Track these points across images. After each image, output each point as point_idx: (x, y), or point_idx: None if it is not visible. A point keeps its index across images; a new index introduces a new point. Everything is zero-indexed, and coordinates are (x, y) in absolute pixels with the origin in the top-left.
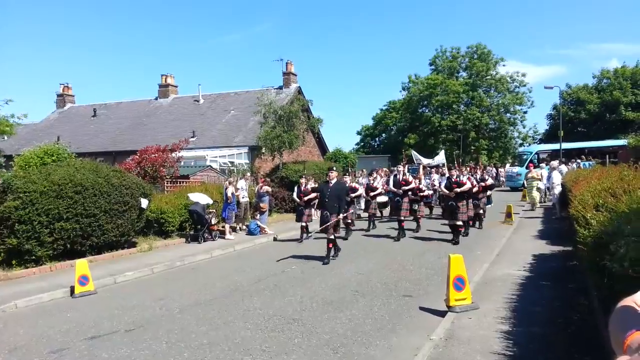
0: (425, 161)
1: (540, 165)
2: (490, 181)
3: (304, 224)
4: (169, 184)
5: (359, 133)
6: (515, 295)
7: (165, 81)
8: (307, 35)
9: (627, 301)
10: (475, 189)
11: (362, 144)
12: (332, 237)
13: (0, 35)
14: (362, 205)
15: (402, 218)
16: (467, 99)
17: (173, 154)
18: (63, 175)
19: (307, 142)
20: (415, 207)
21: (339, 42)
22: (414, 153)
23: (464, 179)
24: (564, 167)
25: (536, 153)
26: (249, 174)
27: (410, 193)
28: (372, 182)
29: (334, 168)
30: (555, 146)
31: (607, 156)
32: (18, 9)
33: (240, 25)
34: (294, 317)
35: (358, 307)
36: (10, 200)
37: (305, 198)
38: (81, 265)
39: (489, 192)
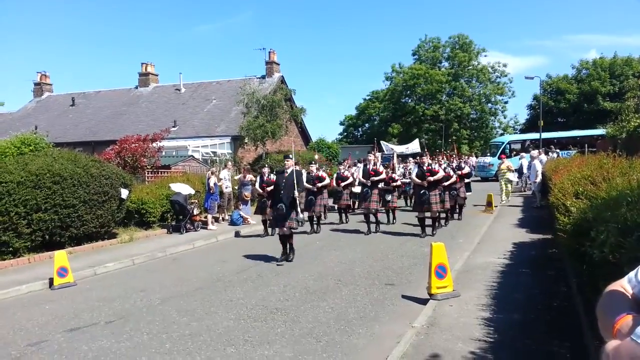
0: (398, 149)
1: (522, 154)
2: (467, 169)
3: (265, 218)
4: (149, 174)
5: (342, 123)
6: (496, 283)
7: (146, 70)
8: (290, 25)
9: (615, 285)
10: (452, 179)
11: (345, 133)
12: (289, 231)
13: None
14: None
15: (373, 210)
16: (449, 89)
17: (154, 144)
18: (41, 165)
19: (290, 131)
20: (388, 197)
21: (322, 32)
22: (383, 143)
23: (437, 167)
24: (544, 157)
25: (508, 143)
26: (230, 163)
27: (382, 184)
28: (342, 171)
29: (290, 156)
30: (527, 136)
31: (579, 146)
32: None
33: (221, 14)
34: (276, 306)
35: (341, 296)
36: None
37: (269, 189)
38: (60, 256)
39: (466, 180)
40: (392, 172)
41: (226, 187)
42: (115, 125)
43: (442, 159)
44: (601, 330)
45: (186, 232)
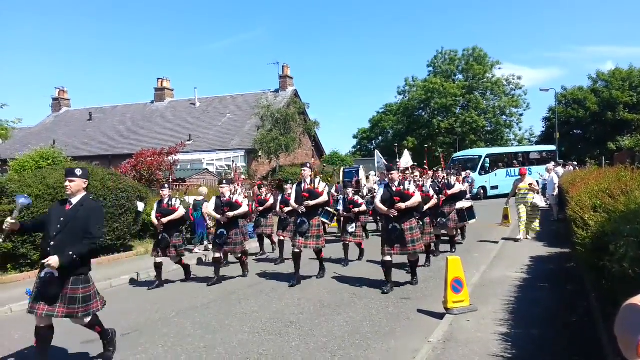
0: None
1: (547, 167)
2: (457, 188)
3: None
4: None
5: (355, 136)
6: (513, 298)
7: (162, 85)
8: (303, 39)
9: (636, 300)
10: (432, 202)
11: (358, 147)
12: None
13: None
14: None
15: (301, 248)
16: (463, 102)
17: (169, 158)
18: (59, 179)
19: (304, 145)
20: (351, 229)
21: (334, 47)
22: (377, 153)
23: (412, 187)
24: (560, 169)
25: (486, 156)
26: (243, 176)
27: (341, 210)
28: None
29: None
30: (504, 150)
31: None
32: (13, 13)
33: (235, 30)
34: (291, 320)
35: (356, 309)
36: (5, 204)
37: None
38: None
39: (466, 204)
40: (353, 192)
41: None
42: (132, 139)
43: (416, 175)
44: (622, 348)
45: (201, 244)
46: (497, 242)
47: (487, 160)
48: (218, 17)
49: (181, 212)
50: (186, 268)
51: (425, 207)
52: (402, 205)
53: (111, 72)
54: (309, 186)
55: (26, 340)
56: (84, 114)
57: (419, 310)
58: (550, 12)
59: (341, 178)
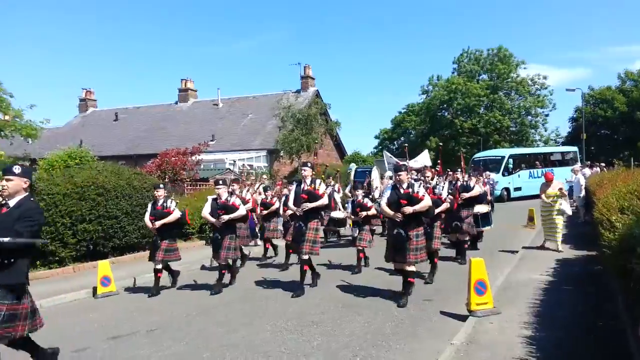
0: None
1: (574, 169)
2: (476, 190)
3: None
4: (189, 187)
5: (377, 137)
6: (539, 300)
7: (185, 85)
8: (325, 39)
9: None
10: (443, 206)
11: (380, 147)
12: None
13: (24, 42)
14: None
15: (305, 254)
16: (487, 102)
17: (193, 157)
18: (86, 178)
19: (326, 145)
20: (356, 233)
21: (356, 47)
22: (385, 153)
23: (421, 190)
24: (587, 170)
25: (510, 157)
26: (265, 176)
27: (349, 212)
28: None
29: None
30: (527, 150)
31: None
32: (40, 16)
33: (258, 30)
34: (313, 319)
35: (377, 310)
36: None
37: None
38: (103, 266)
39: (483, 208)
40: (364, 195)
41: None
42: (156, 139)
43: (428, 176)
44: None
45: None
46: (516, 252)
47: (511, 161)
48: (240, 18)
49: (176, 214)
50: (173, 274)
51: (437, 211)
52: (409, 209)
53: (136, 72)
54: (309, 187)
55: (54, 335)
56: (109, 114)
57: (442, 312)
58: (574, 11)
59: (352, 178)
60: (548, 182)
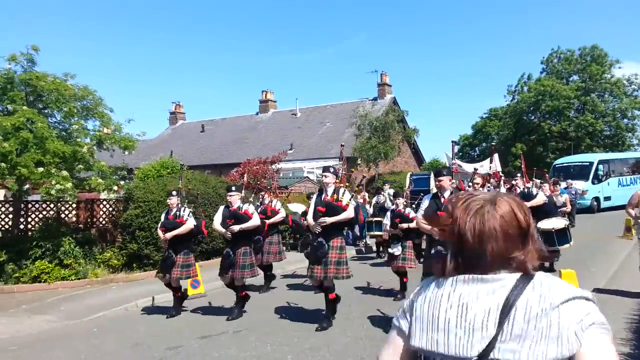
0: (469, 167)
1: None
2: (541, 198)
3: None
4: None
5: (457, 143)
6: (637, 316)
7: (266, 97)
8: (402, 45)
9: None
10: None
11: (460, 153)
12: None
13: (121, 63)
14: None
15: (321, 277)
16: (578, 104)
17: (272, 166)
18: (177, 186)
19: (403, 152)
20: (394, 249)
21: (435, 51)
22: (446, 154)
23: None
24: None
25: (599, 163)
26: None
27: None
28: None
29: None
30: (617, 155)
31: None
32: (134, 37)
33: (334, 39)
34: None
35: None
36: (132, 208)
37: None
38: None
39: (558, 223)
40: (405, 204)
41: None
42: (239, 149)
43: (478, 183)
44: None
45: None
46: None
47: (600, 167)
48: (318, 27)
49: (189, 225)
50: (179, 298)
51: None
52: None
53: (221, 86)
54: (330, 198)
55: (149, 333)
56: (197, 126)
57: None
58: None
59: (407, 187)
60: None
